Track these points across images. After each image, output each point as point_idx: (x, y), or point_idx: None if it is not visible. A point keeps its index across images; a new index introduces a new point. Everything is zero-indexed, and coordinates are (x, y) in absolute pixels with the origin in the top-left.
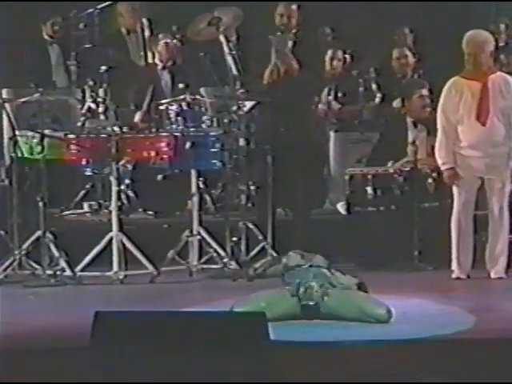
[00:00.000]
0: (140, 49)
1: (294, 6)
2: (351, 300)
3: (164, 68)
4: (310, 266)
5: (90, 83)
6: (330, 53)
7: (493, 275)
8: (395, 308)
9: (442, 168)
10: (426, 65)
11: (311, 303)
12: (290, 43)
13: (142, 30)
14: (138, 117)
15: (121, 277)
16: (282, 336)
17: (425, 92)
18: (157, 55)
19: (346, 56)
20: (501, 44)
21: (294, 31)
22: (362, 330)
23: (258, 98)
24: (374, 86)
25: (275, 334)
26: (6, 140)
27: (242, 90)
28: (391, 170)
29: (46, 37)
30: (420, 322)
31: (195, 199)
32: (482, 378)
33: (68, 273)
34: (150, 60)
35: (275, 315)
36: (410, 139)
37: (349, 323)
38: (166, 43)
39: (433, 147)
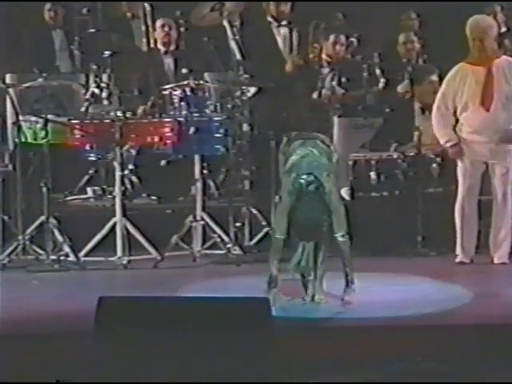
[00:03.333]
0: (143, 34)
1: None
2: None
3: (166, 53)
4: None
5: (93, 67)
6: (332, 37)
7: (496, 260)
8: (398, 293)
9: (447, 145)
10: (430, 50)
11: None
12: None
13: (145, 15)
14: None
15: (124, 262)
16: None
17: (434, 78)
18: (157, 39)
19: (353, 40)
20: (504, 29)
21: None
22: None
23: (262, 84)
24: (377, 71)
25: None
26: (9, 125)
27: (245, 76)
28: (395, 156)
29: (48, 21)
30: (423, 306)
31: (199, 184)
32: (484, 363)
33: (72, 258)
34: (153, 45)
35: None
36: (416, 124)
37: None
38: (163, 25)
39: None
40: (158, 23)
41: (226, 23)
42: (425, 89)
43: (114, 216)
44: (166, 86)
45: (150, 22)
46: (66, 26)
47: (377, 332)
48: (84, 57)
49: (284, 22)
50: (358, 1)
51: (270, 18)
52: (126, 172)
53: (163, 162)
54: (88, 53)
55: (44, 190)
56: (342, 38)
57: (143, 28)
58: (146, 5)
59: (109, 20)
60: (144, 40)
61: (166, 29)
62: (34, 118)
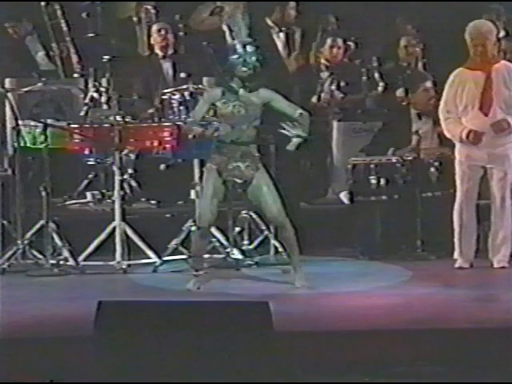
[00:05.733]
0: (143, 38)
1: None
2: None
3: (165, 57)
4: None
5: (78, 70)
6: (329, 41)
7: (495, 264)
8: (398, 297)
9: (464, 135)
10: (430, 54)
11: (238, 185)
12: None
13: (148, 19)
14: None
15: (124, 266)
16: None
17: (429, 84)
18: (155, 44)
19: (350, 44)
20: (502, 34)
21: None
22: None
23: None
24: (376, 75)
25: None
26: (8, 130)
27: None
28: (394, 160)
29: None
30: (422, 310)
31: (198, 188)
32: (483, 367)
33: (71, 262)
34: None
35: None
36: (413, 129)
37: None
38: (159, 30)
39: (438, 135)
40: (155, 27)
41: (225, 27)
42: (419, 97)
43: (114, 220)
44: (165, 91)
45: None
46: (37, 31)
47: (377, 336)
48: (65, 60)
49: (284, 28)
50: (358, 1)
51: (270, 23)
52: (125, 176)
53: (162, 167)
54: (87, 57)
55: (43, 194)
56: (339, 41)
57: (146, 33)
58: (151, 8)
59: (108, 24)
60: (147, 45)
61: (163, 32)
62: (33, 123)
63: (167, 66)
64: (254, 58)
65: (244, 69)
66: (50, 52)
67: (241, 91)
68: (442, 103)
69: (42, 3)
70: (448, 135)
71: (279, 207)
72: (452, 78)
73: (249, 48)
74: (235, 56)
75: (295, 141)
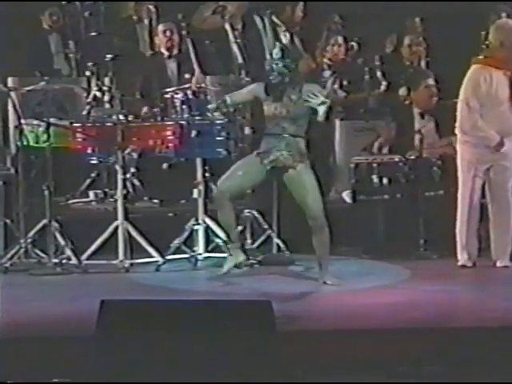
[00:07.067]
0: (147, 37)
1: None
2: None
3: (170, 57)
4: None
5: (89, 71)
6: (330, 39)
7: (498, 264)
8: (400, 296)
9: (495, 142)
10: (433, 53)
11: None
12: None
13: (150, 18)
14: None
15: (126, 265)
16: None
17: (431, 82)
18: (160, 44)
19: (353, 44)
20: None
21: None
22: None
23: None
24: (379, 74)
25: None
26: (11, 128)
27: (246, 79)
28: (396, 159)
29: (45, 26)
30: (425, 309)
31: (201, 188)
32: (485, 367)
33: (74, 261)
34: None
35: (249, 182)
36: (416, 128)
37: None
38: (164, 31)
39: (441, 136)
40: (160, 28)
41: (227, 26)
42: (421, 94)
43: (116, 219)
44: (168, 90)
45: (154, 25)
46: (61, 30)
47: (379, 335)
48: (79, 60)
49: (290, 27)
50: (360, 0)
51: (278, 22)
52: (127, 175)
53: (165, 166)
54: (87, 56)
55: (46, 193)
56: (340, 39)
57: (147, 31)
58: (151, 7)
59: (111, 23)
60: (148, 43)
61: (168, 34)
62: (36, 122)
63: (172, 65)
64: (280, 65)
65: (272, 76)
66: (66, 51)
67: (285, 92)
68: (470, 97)
69: (63, 2)
70: (477, 133)
71: (320, 208)
72: (480, 73)
73: (275, 55)
74: (266, 63)
75: (321, 109)
